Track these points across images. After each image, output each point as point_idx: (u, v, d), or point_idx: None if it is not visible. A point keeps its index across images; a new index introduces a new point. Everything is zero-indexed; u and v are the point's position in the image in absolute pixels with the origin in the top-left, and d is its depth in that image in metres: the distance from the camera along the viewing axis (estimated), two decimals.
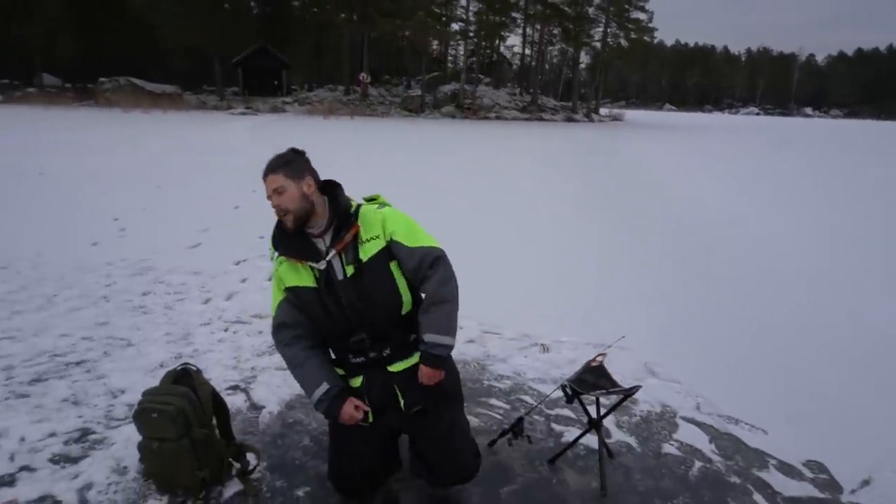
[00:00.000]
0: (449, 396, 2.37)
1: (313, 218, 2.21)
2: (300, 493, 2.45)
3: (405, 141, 19.53)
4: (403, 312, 2.25)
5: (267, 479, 2.53)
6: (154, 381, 2.59)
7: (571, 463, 2.71)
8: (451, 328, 2.20)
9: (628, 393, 2.58)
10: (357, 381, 2.30)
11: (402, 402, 2.26)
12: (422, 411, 2.26)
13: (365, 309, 2.18)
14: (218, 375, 3.37)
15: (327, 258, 2.17)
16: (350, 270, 2.17)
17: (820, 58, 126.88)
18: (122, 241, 6.26)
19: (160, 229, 6.77)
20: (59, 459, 2.61)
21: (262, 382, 3.36)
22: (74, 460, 2.60)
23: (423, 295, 2.22)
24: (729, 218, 8.70)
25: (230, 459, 2.50)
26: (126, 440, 2.69)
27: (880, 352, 4.12)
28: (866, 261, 6.56)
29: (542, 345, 3.97)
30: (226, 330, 4.09)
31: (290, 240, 2.22)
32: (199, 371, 2.50)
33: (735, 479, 2.67)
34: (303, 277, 2.21)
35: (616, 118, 48.38)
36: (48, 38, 36.62)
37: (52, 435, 2.78)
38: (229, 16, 40.81)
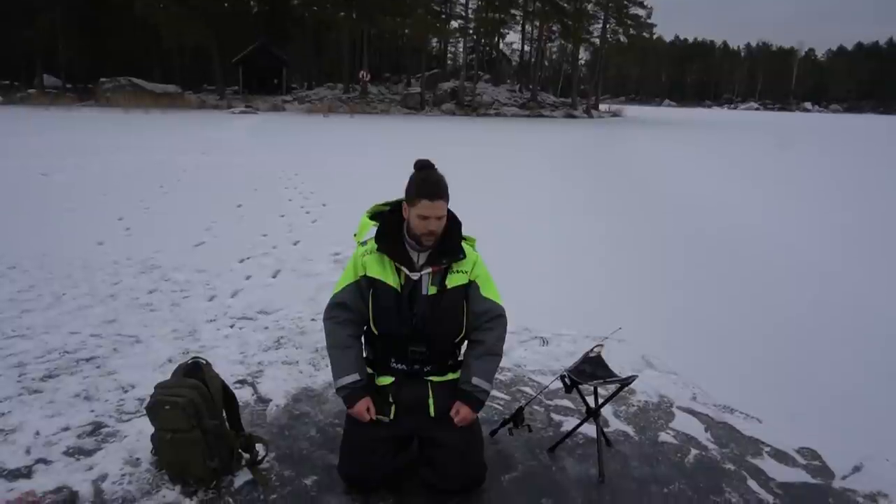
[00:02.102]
0: None
1: None
2: (308, 481, 2.53)
3: (404, 136, 19.59)
4: (456, 340, 2.53)
5: (276, 469, 2.60)
6: (163, 377, 2.66)
7: (571, 451, 2.79)
8: (493, 379, 2.50)
9: (625, 382, 2.66)
10: (386, 380, 2.49)
11: (432, 407, 2.43)
12: (445, 418, 2.41)
13: (433, 326, 2.41)
14: (225, 370, 3.43)
15: (421, 272, 2.38)
16: (433, 290, 2.40)
17: (820, 52, 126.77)
18: (128, 241, 6.34)
19: (164, 228, 6.85)
20: (74, 452, 2.68)
21: (268, 376, 3.43)
22: (88, 453, 2.68)
23: (477, 339, 2.48)
24: (727, 212, 8.78)
25: (240, 450, 2.57)
26: (138, 433, 2.76)
27: (874, 341, 4.20)
28: (862, 252, 6.64)
29: (541, 338, 4.05)
30: (231, 326, 4.16)
31: (394, 242, 2.41)
32: (209, 364, 2.58)
33: (730, 466, 2.74)
34: (388, 275, 2.40)
35: (616, 114, 48.42)
36: (49, 38, 36.70)
37: (66, 429, 2.86)
38: (229, 14, 40.90)
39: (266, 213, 7.84)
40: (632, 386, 3.29)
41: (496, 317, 2.48)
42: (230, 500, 2.39)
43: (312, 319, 4.24)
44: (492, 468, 2.58)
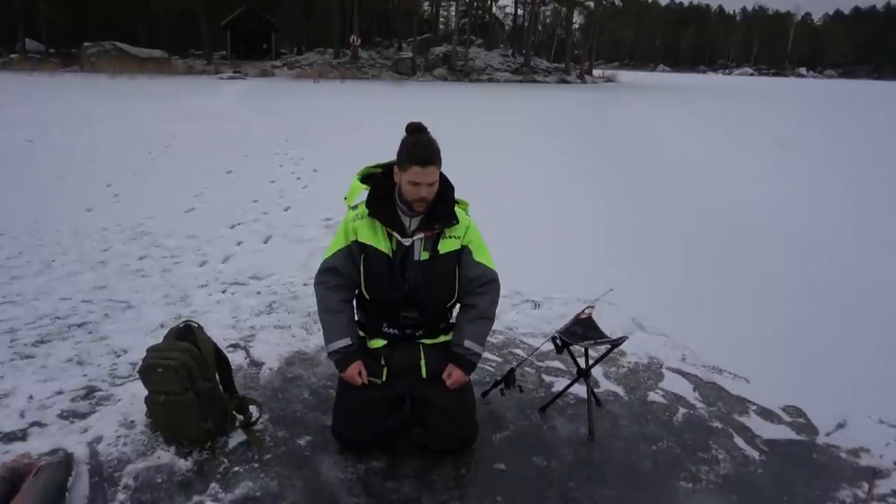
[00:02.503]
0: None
1: None
2: (302, 442, 2.56)
3: (396, 102, 19.35)
4: (448, 305, 2.52)
5: (269, 430, 2.63)
6: (155, 341, 2.66)
7: (561, 411, 2.83)
8: (485, 342, 2.49)
9: (616, 343, 2.68)
10: (378, 344, 2.49)
11: (423, 369, 2.44)
12: (437, 380, 2.42)
13: (425, 292, 2.39)
14: (217, 334, 3.42)
15: (413, 238, 2.34)
16: (425, 256, 2.38)
17: (816, 17, 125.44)
18: (117, 207, 6.28)
19: (153, 195, 6.78)
20: (68, 415, 2.70)
21: (261, 340, 3.45)
22: (83, 416, 2.69)
23: (470, 303, 2.47)
24: (720, 179, 8.78)
25: (233, 412, 2.59)
26: (132, 396, 2.77)
27: (861, 304, 4.25)
28: (853, 217, 6.68)
29: (533, 301, 4.07)
30: (223, 291, 4.16)
31: (385, 207, 2.37)
32: (200, 327, 2.58)
33: (717, 424, 2.79)
34: (380, 241, 2.37)
35: (609, 79, 47.91)
36: (31, 2, 35.70)
37: (60, 393, 2.87)
38: None
39: (256, 180, 7.77)
40: (622, 347, 3.32)
41: (489, 281, 2.47)
42: (225, 460, 2.42)
43: (304, 284, 4.24)
44: (483, 428, 2.62)
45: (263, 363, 3.21)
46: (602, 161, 10.04)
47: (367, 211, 2.37)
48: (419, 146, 2.27)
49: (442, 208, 2.37)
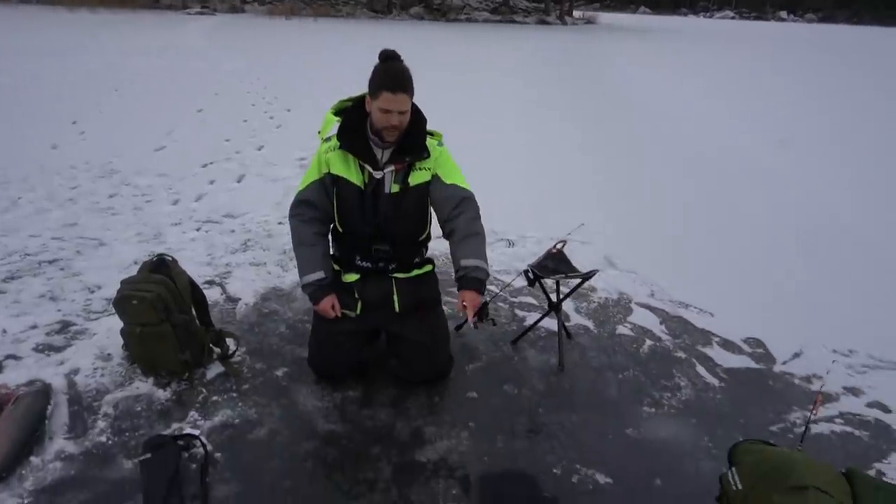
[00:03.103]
0: (434, 303, 2.59)
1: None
2: (279, 373, 2.61)
3: (371, 41, 18.81)
4: (420, 238, 2.51)
5: (247, 362, 2.68)
6: None
7: (533, 343, 2.92)
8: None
9: (586, 277, 2.75)
10: (352, 277, 2.49)
11: (397, 303, 2.45)
12: (411, 314, 2.45)
13: (396, 225, 2.38)
14: (192, 272, 3.36)
15: (384, 171, 2.31)
16: (395, 188, 2.35)
17: None
18: (84, 145, 6.11)
19: (122, 133, 6.60)
20: (44, 349, 2.70)
21: (237, 277, 3.45)
22: (58, 349, 2.70)
23: (450, 230, 2.40)
24: (694, 119, 8.81)
25: (210, 345, 2.63)
26: (107, 331, 2.78)
27: (823, 242, 4.39)
28: (818, 156, 6.79)
29: (508, 240, 4.12)
30: (197, 229, 4.13)
31: (356, 139, 2.32)
32: (175, 261, 2.58)
33: (681, 355, 2.91)
34: (351, 173, 2.34)
35: (590, 21, 46.96)
36: None
37: (34, 327, 2.87)
38: None
39: (228, 119, 7.58)
40: (593, 284, 3.42)
41: (462, 199, 2.39)
42: (203, 390, 2.47)
43: (279, 223, 4.22)
44: (457, 359, 2.70)
45: (239, 299, 3.23)
46: (583, 103, 9.96)
47: (339, 143, 2.34)
48: (390, 73, 2.21)
49: (413, 140, 2.33)
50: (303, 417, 2.35)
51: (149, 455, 2.04)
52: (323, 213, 2.44)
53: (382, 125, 2.23)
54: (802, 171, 6.27)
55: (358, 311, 2.47)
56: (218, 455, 2.13)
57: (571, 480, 2.09)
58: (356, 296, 2.47)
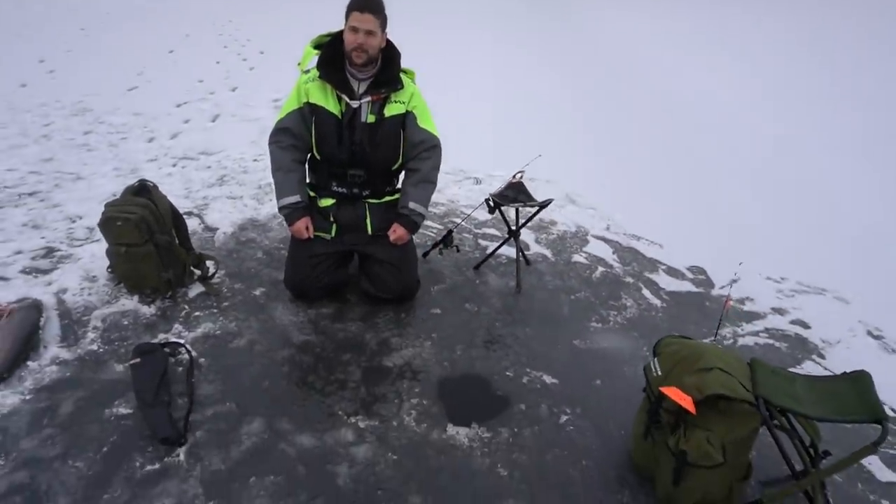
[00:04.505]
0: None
1: (370, 65, 2.46)
2: (257, 293, 2.80)
3: None
4: (394, 168, 2.67)
5: (227, 283, 2.86)
6: None
7: (494, 268, 3.15)
8: (428, 204, 2.67)
9: (542, 205, 2.96)
10: (328, 202, 2.67)
11: (370, 226, 2.65)
12: (384, 236, 2.65)
13: (371, 153, 2.55)
14: None
15: (361, 101, 2.46)
16: (371, 119, 2.50)
17: None
18: (53, 83, 6.07)
19: (92, 72, 6.54)
20: (31, 271, 2.85)
21: (214, 209, 3.59)
22: (45, 272, 2.85)
23: (413, 168, 2.63)
24: (665, 67, 8.94)
25: (191, 266, 2.80)
26: (91, 255, 2.93)
27: (769, 182, 4.66)
28: (774, 98, 7.03)
29: (475, 178, 4.31)
30: (174, 165, 4.23)
31: (334, 69, 2.47)
32: (156, 186, 2.72)
33: (629, 280, 3.17)
34: (329, 103, 2.49)
35: None
36: None
37: (19, 252, 3.00)
38: None
39: (200, 59, 7.52)
40: (553, 217, 3.65)
41: (431, 147, 2.61)
42: (186, 306, 2.65)
43: (255, 160, 4.34)
44: (423, 282, 2.91)
45: (217, 228, 3.38)
46: (555, 49, 10.00)
47: (318, 73, 2.47)
48: None
49: (388, 73, 2.49)
50: (279, 330, 2.56)
51: (139, 359, 2.24)
52: (301, 140, 2.59)
53: (351, 45, 2.37)
54: (761, 115, 6.50)
55: (333, 234, 2.65)
56: (202, 360, 2.33)
57: (522, 381, 2.35)
58: (332, 219, 2.66)
